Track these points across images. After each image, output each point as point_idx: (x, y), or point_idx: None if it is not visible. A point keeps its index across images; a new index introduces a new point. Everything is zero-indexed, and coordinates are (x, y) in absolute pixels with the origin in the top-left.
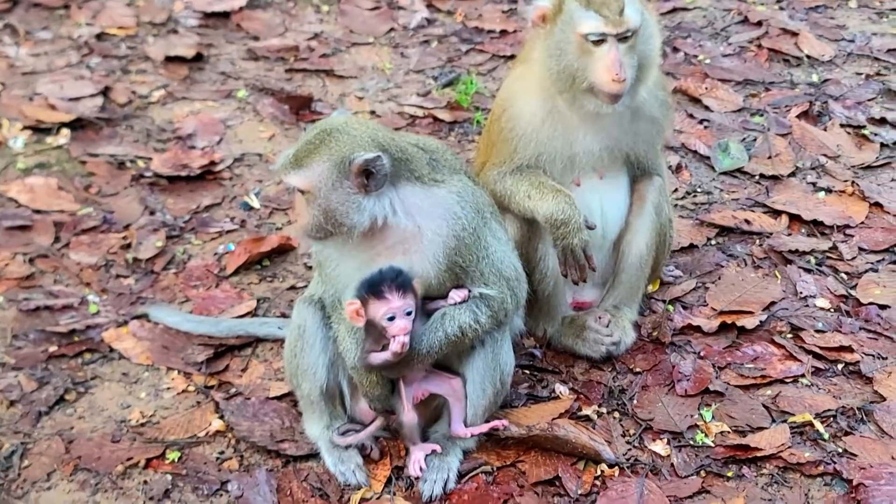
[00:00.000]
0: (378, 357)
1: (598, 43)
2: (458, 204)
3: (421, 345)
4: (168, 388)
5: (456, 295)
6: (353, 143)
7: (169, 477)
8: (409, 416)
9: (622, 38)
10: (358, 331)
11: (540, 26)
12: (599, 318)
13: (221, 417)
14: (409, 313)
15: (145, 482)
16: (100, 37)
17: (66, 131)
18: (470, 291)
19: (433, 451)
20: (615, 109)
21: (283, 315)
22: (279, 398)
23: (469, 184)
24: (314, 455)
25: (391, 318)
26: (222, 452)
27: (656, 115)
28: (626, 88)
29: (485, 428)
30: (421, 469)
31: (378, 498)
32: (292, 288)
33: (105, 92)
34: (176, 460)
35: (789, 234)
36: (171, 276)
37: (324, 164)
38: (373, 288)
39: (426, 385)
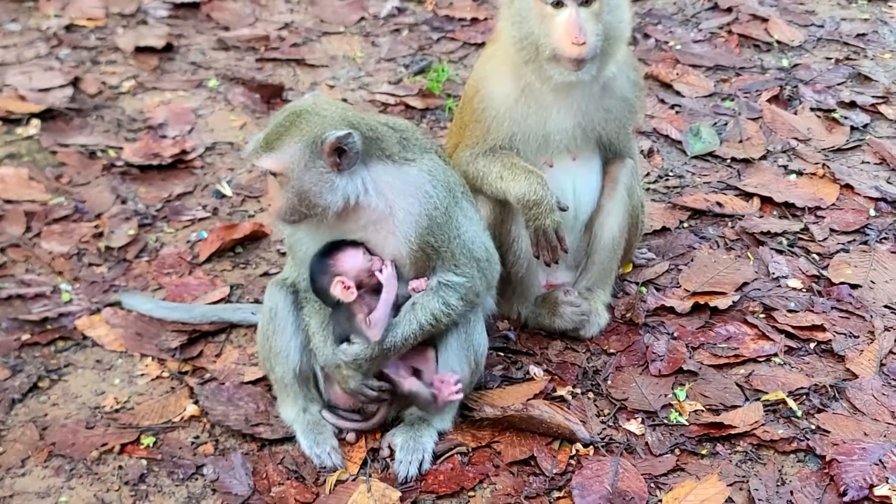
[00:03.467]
0: (381, 309)
1: (557, 6)
2: (429, 183)
3: (396, 336)
4: (142, 375)
5: (415, 284)
6: (324, 123)
7: (144, 462)
8: (409, 382)
9: (583, 2)
10: (328, 325)
11: None
12: (567, 291)
13: (196, 402)
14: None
15: (120, 467)
16: (69, 28)
17: (36, 122)
18: (428, 279)
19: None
20: (580, 77)
21: (257, 301)
22: (254, 383)
23: (440, 163)
24: (289, 438)
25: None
26: (197, 437)
27: (628, 94)
28: (587, 53)
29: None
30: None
31: (354, 480)
32: (265, 274)
33: (75, 83)
34: (151, 445)
35: (761, 217)
36: (144, 264)
37: (295, 144)
38: (331, 251)
39: (405, 362)
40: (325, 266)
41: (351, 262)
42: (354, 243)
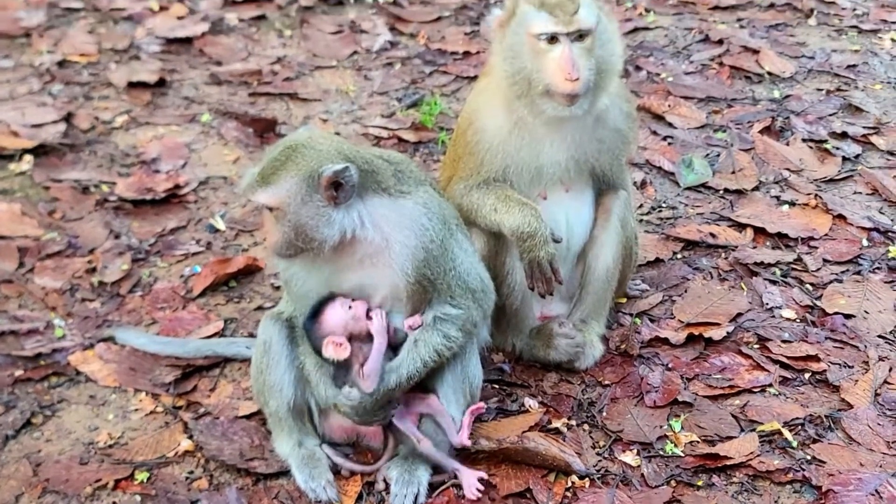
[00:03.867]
0: (374, 358)
1: (551, 42)
2: (425, 216)
3: (401, 375)
4: (136, 410)
5: (410, 321)
6: (320, 157)
7: (138, 498)
8: (425, 444)
9: (576, 38)
10: (323, 365)
11: (498, 32)
12: (561, 323)
13: (190, 437)
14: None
15: (114, 503)
16: (62, 64)
17: (29, 157)
18: (423, 314)
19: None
20: (573, 112)
21: (251, 335)
22: (248, 417)
23: (434, 195)
24: (285, 472)
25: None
26: (192, 472)
27: (621, 126)
28: (581, 88)
29: (470, 418)
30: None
31: None
32: (259, 308)
33: (68, 118)
34: (145, 481)
35: (754, 247)
36: (138, 298)
37: (292, 179)
38: (322, 308)
39: (411, 409)
40: (313, 329)
41: (335, 318)
42: (334, 297)
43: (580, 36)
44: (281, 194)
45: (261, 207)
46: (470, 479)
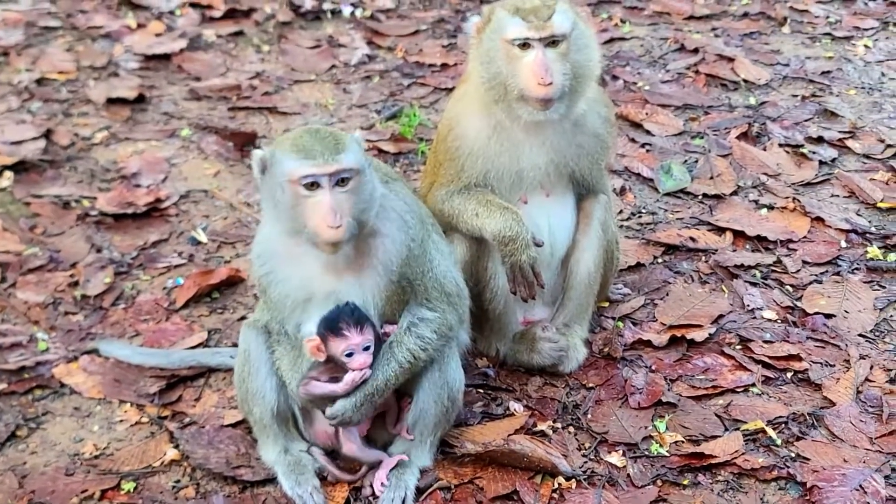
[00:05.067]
0: (321, 387)
1: (524, 47)
2: (407, 213)
3: (377, 379)
4: (121, 421)
5: (388, 328)
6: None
7: None
8: (348, 450)
9: (550, 43)
10: (299, 363)
11: (476, 38)
12: (545, 328)
13: (176, 447)
14: (367, 348)
15: None
16: (40, 82)
17: (8, 174)
18: (399, 319)
19: (398, 462)
20: (548, 116)
21: (235, 345)
22: (234, 426)
23: (410, 192)
24: (271, 480)
25: (349, 355)
26: (178, 481)
27: (599, 130)
28: (554, 93)
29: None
30: (382, 485)
31: None
32: (243, 319)
33: (47, 135)
34: (132, 490)
35: (734, 250)
36: (121, 311)
37: (353, 143)
38: (331, 325)
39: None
40: (335, 325)
41: (351, 341)
42: (362, 321)
43: (554, 41)
44: (356, 156)
45: (335, 179)
46: (381, 472)
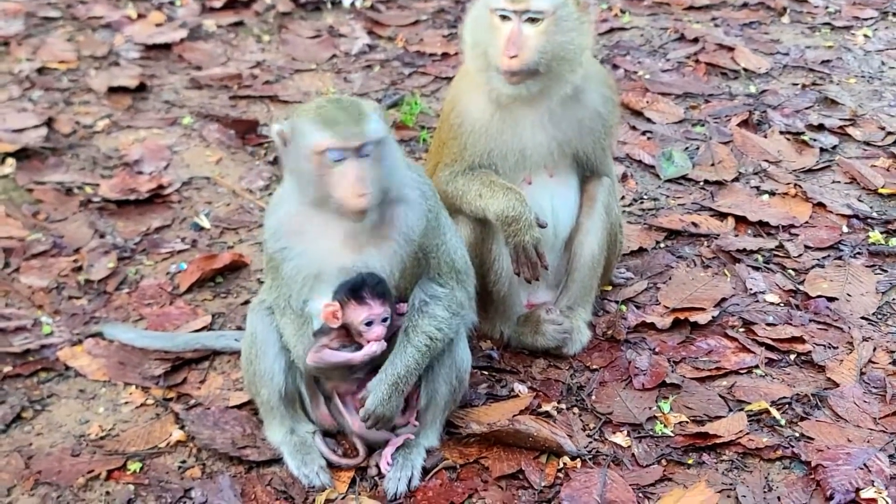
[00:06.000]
0: (336, 356)
1: (504, 19)
2: (423, 183)
3: (398, 367)
4: (126, 403)
5: (399, 307)
6: None
7: (131, 487)
8: (357, 427)
9: (529, 19)
10: (305, 330)
11: (472, 8)
12: (549, 310)
13: (182, 428)
14: (385, 320)
15: (107, 493)
16: (41, 71)
17: (11, 161)
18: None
19: (405, 442)
20: (517, 91)
21: (240, 328)
22: (239, 407)
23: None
24: (277, 460)
25: (369, 324)
26: (184, 461)
27: (600, 108)
28: (518, 66)
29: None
30: (388, 464)
31: (343, 498)
32: (247, 303)
33: (49, 123)
34: (138, 471)
35: (736, 235)
36: (125, 295)
37: (375, 111)
38: (355, 292)
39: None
40: (358, 293)
41: (373, 311)
42: (384, 293)
43: (534, 18)
44: (381, 126)
45: (369, 149)
46: (388, 451)
